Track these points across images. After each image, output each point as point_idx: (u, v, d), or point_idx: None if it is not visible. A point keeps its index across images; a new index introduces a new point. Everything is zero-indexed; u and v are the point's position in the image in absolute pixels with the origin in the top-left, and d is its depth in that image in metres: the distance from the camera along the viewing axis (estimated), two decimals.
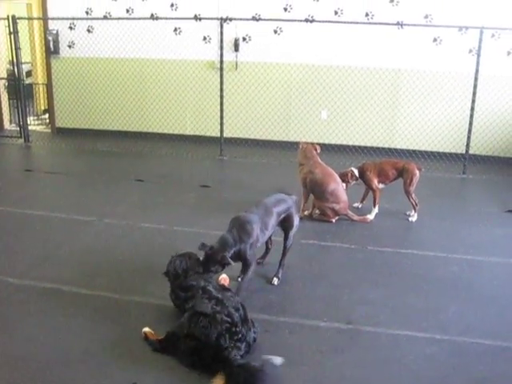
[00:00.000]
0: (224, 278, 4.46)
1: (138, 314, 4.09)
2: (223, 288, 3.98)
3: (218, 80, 9.10)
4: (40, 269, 4.82)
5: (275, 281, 4.68)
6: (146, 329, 3.70)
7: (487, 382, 3.38)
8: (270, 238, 4.82)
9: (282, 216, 4.63)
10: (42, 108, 12.01)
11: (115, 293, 4.38)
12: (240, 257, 4.23)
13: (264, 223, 4.42)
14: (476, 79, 8.15)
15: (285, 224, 4.71)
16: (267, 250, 5.01)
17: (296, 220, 4.79)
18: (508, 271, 5.06)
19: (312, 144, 6.53)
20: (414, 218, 6.32)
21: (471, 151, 8.61)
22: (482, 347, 3.77)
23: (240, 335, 3.38)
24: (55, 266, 4.89)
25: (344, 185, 6.33)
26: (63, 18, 9.94)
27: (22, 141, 9.94)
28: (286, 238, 4.77)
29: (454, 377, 3.43)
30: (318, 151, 6.46)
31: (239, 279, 4.44)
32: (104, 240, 5.58)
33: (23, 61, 10.01)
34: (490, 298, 4.52)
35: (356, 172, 6.40)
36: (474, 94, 8.24)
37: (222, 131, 9.28)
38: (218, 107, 9.23)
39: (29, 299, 4.30)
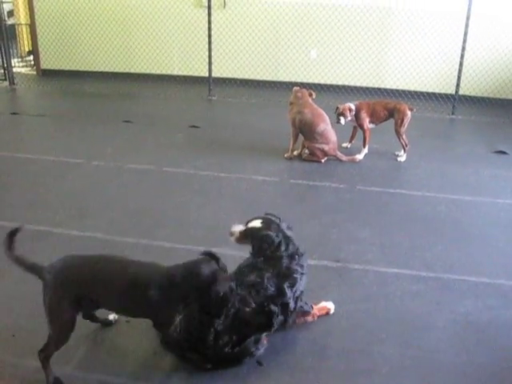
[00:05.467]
0: None
1: (131, 254, 4.12)
2: None
3: (206, 18, 8.91)
4: (30, 211, 4.83)
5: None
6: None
7: (470, 316, 3.48)
8: None
9: None
10: (26, 49, 11.74)
11: (107, 234, 4.41)
12: None
13: None
14: (468, 18, 8.03)
15: None
16: None
17: None
18: (494, 211, 5.14)
19: (307, 89, 6.43)
20: (402, 158, 6.34)
21: (461, 92, 8.58)
22: (467, 284, 3.86)
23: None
24: (45, 209, 4.90)
25: (342, 119, 6.26)
26: None
27: (6, 83, 9.77)
28: None
29: (438, 311, 3.53)
30: (313, 97, 6.37)
31: None
32: (93, 182, 5.57)
33: (4, 0, 9.72)
34: (476, 237, 4.60)
35: (353, 106, 6.30)
36: (466, 33, 8.14)
37: (210, 71, 9.16)
38: (206, 46, 9.07)
39: (20, 241, 4.30)
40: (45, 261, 3.96)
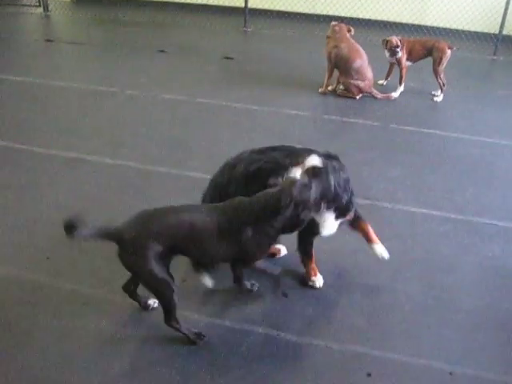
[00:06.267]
0: None
1: (160, 183, 4.20)
2: None
3: None
4: (64, 139, 4.90)
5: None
6: None
7: (497, 261, 3.48)
8: None
9: None
10: None
11: (139, 163, 4.47)
12: None
13: None
14: None
15: None
16: None
17: None
18: None
19: (346, 25, 6.25)
20: (439, 98, 6.20)
21: (505, 32, 8.24)
22: (495, 228, 3.84)
23: None
24: (79, 136, 4.97)
25: (399, 50, 6.05)
26: None
27: (41, 10, 9.70)
28: None
29: (465, 254, 3.53)
30: (352, 33, 6.20)
31: None
32: (127, 111, 5.60)
33: None
34: (509, 182, 4.53)
35: (397, 40, 6.10)
36: None
37: (246, 1, 8.94)
38: None
39: (55, 168, 4.41)
40: (77, 188, 4.07)
